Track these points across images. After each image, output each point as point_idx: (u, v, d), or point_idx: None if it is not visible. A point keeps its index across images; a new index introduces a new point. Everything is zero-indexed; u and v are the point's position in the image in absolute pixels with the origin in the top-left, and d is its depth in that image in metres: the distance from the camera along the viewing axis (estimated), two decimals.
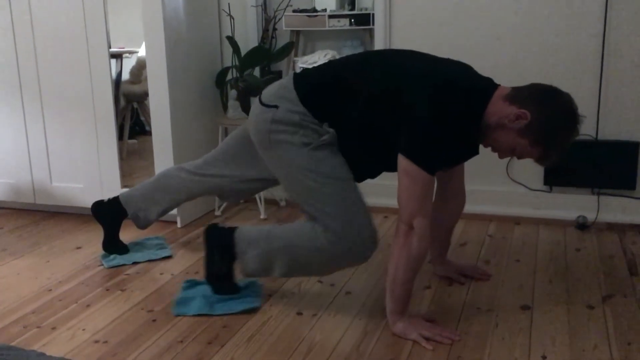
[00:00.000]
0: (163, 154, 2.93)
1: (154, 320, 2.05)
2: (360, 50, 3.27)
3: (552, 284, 2.27)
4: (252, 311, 2.09)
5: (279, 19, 3.32)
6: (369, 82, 1.91)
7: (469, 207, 2.34)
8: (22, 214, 3.25)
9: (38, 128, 3.12)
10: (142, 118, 4.34)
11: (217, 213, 3.20)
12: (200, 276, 2.40)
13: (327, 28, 3.20)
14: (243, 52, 3.17)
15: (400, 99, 1.84)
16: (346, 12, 3.23)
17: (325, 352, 1.83)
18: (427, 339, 1.86)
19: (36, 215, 3.24)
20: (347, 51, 3.26)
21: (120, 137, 3.27)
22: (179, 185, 2.47)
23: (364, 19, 3.16)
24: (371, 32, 3.18)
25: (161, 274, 2.44)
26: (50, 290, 2.31)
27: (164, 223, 3.02)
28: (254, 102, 2.08)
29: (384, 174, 2.11)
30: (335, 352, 1.83)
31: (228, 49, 3.26)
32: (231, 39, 3.13)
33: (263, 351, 1.84)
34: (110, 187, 3.06)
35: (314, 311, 2.10)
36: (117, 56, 3.72)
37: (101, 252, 2.64)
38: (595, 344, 1.84)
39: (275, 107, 1.97)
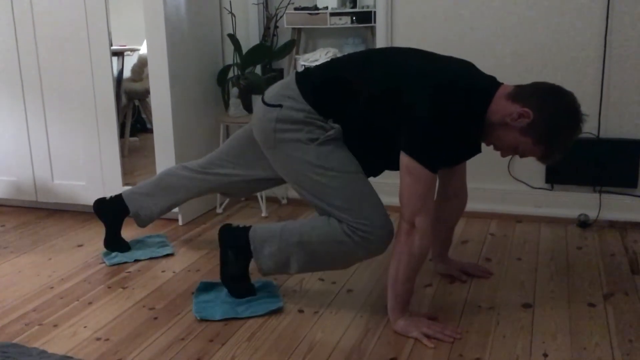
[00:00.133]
0: (164, 152, 2.93)
1: (155, 318, 2.05)
2: (361, 47, 3.26)
3: (554, 282, 2.27)
4: (276, 312, 2.07)
5: (280, 17, 3.32)
6: (370, 81, 1.91)
7: (470, 205, 2.34)
8: (24, 212, 3.26)
9: (39, 126, 3.13)
10: (144, 116, 4.34)
11: (219, 211, 3.20)
12: (202, 273, 2.41)
13: (328, 26, 3.20)
14: (244, 49, 3.17)
15: (402, 98, 1.84)
16: (348, 9, 3.22)
17: (327, 350, 1.83)
18: (429, 337, 1.86)
19: (38, 212, 3.24)
20: (349, 49, 3.25)
21: (121, 134, 3.27)
22: (181, 184, 2.47)
23: (366, 17, 3.15)
24: (373, 30, 3.17)
25: (163, 271, 2.44)
26: (52, 287, 2.31)
27: (166, 221, 3.03)
28: (257, 102, 2.08)
29: (385, 172, 2.11)
30: (337, 350, 1.83)
31: (229, 47, 3.26)
32: (232, 37, 3.13)
33: (264, 349, 1.84)
34: (111, 184, 3.06)
35: (315, 309, 2.10)
36: (119, 54, 3.72)
37: (103, 249, 2.64)
38: (597, 342, 1.84)
39: (279, 106, 1.97)
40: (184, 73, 2.98)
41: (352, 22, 3.18)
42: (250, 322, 2.01)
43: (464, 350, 1.81)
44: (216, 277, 2.33)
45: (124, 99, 3.96)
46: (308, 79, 1.99)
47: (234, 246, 2.09)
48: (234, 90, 3.11)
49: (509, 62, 2.91)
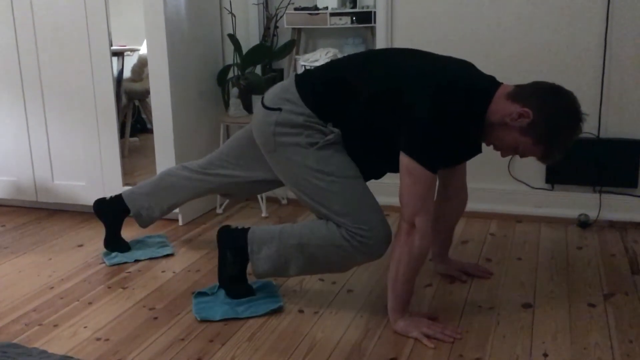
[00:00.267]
0: (164, 152, 2.93)
1: (155, 318, 2.05)
2: (362, 48, 3.26)
3: (554, 282, 2.27)
4: (276, 312, 2.07)
5: (281, 17, 3.32)
6: (370, 82, 1.91)
7: (470, 205, 2.34)
8: (24, 212, 3.26)
9: (40, 126, 3.13)
10: (144, 116, 4.34)
11: (219, 211, 3.20)
12: (202, 274, 2.41)
13: (328, 26, 3.20)
14: (244, 50, 3.17)
15: (401, 99, 1.84)
16: (348, 10, 3.22)
17: (327, 350, 1.83)
18: (429, 337, 1.86)
19: (38, 213, 3.24)
20: (349, 49, 3.25)
21: (121, 135, 3.27)
22: (182, 185, 2.47)
23: (366, 17, 3.15)
24: (373, 30, 3.17)
25: (163, 271, 2.44)
26: (52, 288, 2.31)
27: (166, 221, 3.03)
28: (257, 105, 2.08)
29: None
30: (337, 350, 1.83)
31: (229, 47, 3.26)
32: (233, 37, 3.13)
33: (264, 349, 1.84)
34: (111, 185, 3.07)
35: (315, 309, 2.10)
36: (119, 54, 3.72)
37: (103, 250, 2.64)
38: (597, 342, 1.84)
39: (279, 109, 1.97)
40: (184, 73, 2.98)
41: (352, 22, 3.18)
42: (251, 322, 2.01)
43: (464, 351, 1.81)
44: (215, 278, 2.34)
45: (124, 99, 3.96)
46: (308, 82, 1.99)
47: (232, 247, 2.09)
48: (234, 91, 3.11)
49: (509, 63, 2.91)
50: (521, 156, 1.91)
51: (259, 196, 3.17)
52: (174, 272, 2.43)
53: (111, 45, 2.95)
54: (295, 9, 3.28)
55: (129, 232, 2.82)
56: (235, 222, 3.03)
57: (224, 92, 3.27)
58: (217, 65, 3.28)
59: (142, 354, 1.83)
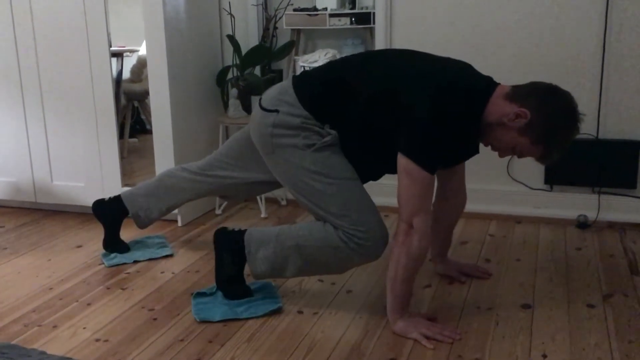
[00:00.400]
0: (164, 153, 2.93)
1: (154, 319, 2.05)
2: (361, 49, 3.26)
3: (553, 282, 2.27)
4: (275, 312, 2.07)
5: (280, 18, 3.32)
6: (369, 83, 1.91)
7: (469, 206, 2.34)
8: (23, 213, 3.25)
9: (39, 126, 3.13)
10: (143, 117, 4.34)
11: (218, 212, 3.20)
12: (201, 274, 2.41)
13: (327, 27, 3.20)
14: (244, 50, 3.17)
15: (400, 99, 1.84)
16: (347, 10, 3.22)
17: (326, 350, 1.83)
18: (428, 338, 1.86)
19: (37, 213, 3.24)
20: (348, 50, 3.25)
21: (120, 135, 3.27)
22: (181, 186, 2.47)
23: (365, 18, 3.15)
24: (372, 31, 3.17)
25: (162, 272, 2.44)
26: (51, 288, 2.31)
27: (165, 222, 3.03)
28: (255, 106, 2.08)
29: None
30: (336, 351, 1.83)
31: (229, 48, 3.26)
32: (232, 38, 3.13)
33: (263, 350, 1.84)
34: (111, 185, 3.06)
35: (314, 310, 2.10)
36: (118, 55, 3.72)
37: (102, 250, 2.64)
38: (596, 343, 1.84)
39: (276, 111, 1.97)
40: (183, 74, 2.98)
41: (351, 23, 3.19)
42: (250, 323, 2.01)
43: (463, 351, 1.81)
44: (213, 280, 2.34)
45: (123, 100, 3.96)
46: (306, 83, 1.99)
47: (229, 249, 2.09)
48: (233, 91, 3.11)
49: (507, 63, 2.91)
50: (519, 156, 1.91)
51: (258, 197, 3.17)
52: (173, 273, 2.43)
53: (110, 46, 2.96)
54: (295, 10, 3.28)
55: (127, 232, 2.82)
56: (235, 223, 3.03)
57: (223, 93, 3.27)
58: (216, 66, 3.28)
59: (141, 354, 1.83)
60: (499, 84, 1.91)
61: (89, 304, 2.17)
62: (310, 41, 3.44)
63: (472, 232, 2.84)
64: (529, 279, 2.31)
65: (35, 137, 3.14)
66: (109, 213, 2.61)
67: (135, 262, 2.54)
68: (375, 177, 2.09)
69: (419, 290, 2.23)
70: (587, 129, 2.84)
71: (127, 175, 3.22)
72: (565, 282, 2.28)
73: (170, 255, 2.61)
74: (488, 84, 1.89)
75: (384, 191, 3.06)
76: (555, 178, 2.93)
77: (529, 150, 1.86)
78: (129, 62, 4.05)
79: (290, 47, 3.26)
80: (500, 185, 3.03)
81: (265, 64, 3.32)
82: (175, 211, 2.93)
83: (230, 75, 3.24)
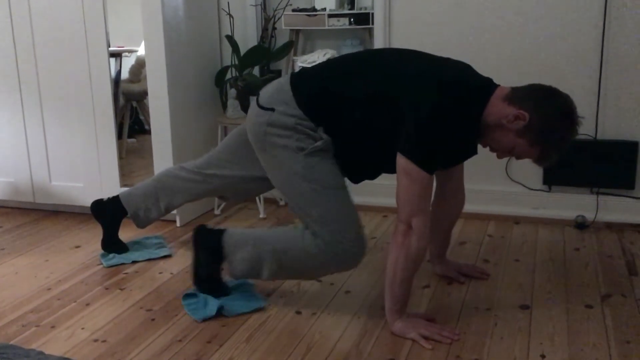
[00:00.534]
0: (162, 153, 2.93)
1: (153, 320, 2.05)
2: (359, 49, 3.27)
3: (551, 283, 2.27)
4: (258, 310, 2.09)
5: (279, 18, 3.32)
6: (368, 82, 1.91)
7: (468, 207, 2.34)
8: (21, 213, 3.25)
9: (37, 127, 3.12)
10: (142, 117, 4.34)
11: (217, 212, 3.20)
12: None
13: (326, 27, 3.20)
14: (242, 51, 3.17)
15: (399, 100, 1.84)
16: (346, 11, 3.22)
17: (324, 351, 1.83)
18: (426, 338, 1.86)
19: (35, 214, 3.23)
20: (347, 50, 3.25)
21: (119, 136, 3.27)
22: (179, 185, 2.47)
23: (364, 18, 3.16)
24: (371, 32, 3.18)
25: (160, 273, 2.44)
26: (50, 289, 2.31)
27: (163, 222, 3.02)
28: (252, 103, 2.08)
29: (383, 174, 2.11)
30: (335, 351, 1.83)
31: (227, 48, 3.26)
32: (230, 38, 3.13)
33: (262, 350, 1.84)
34: (109, 186, 3.06)
35: (313, 310, 2.10)
36: (117, 55, 3.72)
37: (100, 251, 2.64)
38: (594, 343, 1.84)
39: (272, 110, 1.98)
40: (182, 74, 2.98)
41: (350, 23, 3.19)
42: (248, 323, 2.01)
43: (462, 352, 1.81)
44: None
45: (121, 100, 3.96)
46: (303, 81, 1.99)
47: (208, 248, 2.11)
48: (232, 92, 3.11)
49: (506, 64, 2.91)
50: (517, 158, 1.92)
51: (257, 197, 3.17)
52: (171, 274, 2.43)
53: (109, 46, 2.95)
54: (293, 10, 3.28)
55: (126, 233, 2.81)
56: (233, 223, 3.03)
57: (222, 93, 3.27)
58: (215, 66, 3.28)
59: (139, 355, 1.83)
60: (499, 85, 1.91)
61: (87, 305, 2.17)
62: (309, 41, 3.44)
63: (471, 232, 2.84)
64: (528, 279, 2.31)
65: (34, 137, 3.14)
66: (108, 213, 2.60)
67: (134, 262, 2.54)
68: (372, 177, 2.09)
69: (418, 290, 2.23)
70: (585, 129, 2.84)
71: (125, 175, 3.22)
72: (563, 282, 2.28)
73: (169, 256, 2.61)
74: (488, 85, 1.90)
75: (384, 191, 3.07)
76: (553, 179, 2.93)
77: (527, 152, 1.87)
78: (128, 63, 4.05)
79: (289, 48, 3.26)
80: (498, 185, 3.03)
81: (264, 65, 3.32)
82: (174, 211, 2.93)
83: (229, 76, 3.24)
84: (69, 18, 2.94)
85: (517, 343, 1.85)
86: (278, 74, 3.38)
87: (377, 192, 3.11)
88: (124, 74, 4.00)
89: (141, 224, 2.59)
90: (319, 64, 2.08)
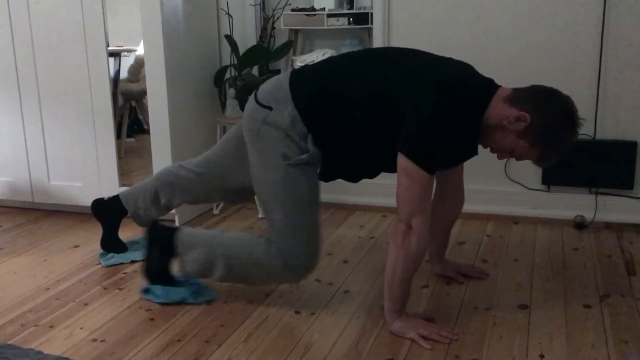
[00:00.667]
0: (161, 153, 2.93)
1: (151, 319, 2.05)
2: (358, 49, 3.27)
3: (550, 283, 2.28)
4: (209, 303, 2.16)
5: (278, 18, 3.32)
6: (368, 82, 1.91)
7: (467, 207, 2.34)
8: (20, 213, 3.25)
9: (36, 126, 3.12)
10: (141, 116, 4.34)
11: (216, 212, 3.20)
12: None
13: (325, 27, 3.20)
14: (241, 50, 3.17)
15: (399, 99, 1.84)
16: (345, 11, 3.23)
17: (323, 351, 1.83)
18: (425, 338, 1.86)
19: (34, 213, 3.23)
20: (346, 50, 3.25)
21: (118, 135, 3.27)
22: (179, 183, 2.47)
23: (363, 18, 3.16)
24: (370, 31, 3.18)
25: None
26: (48, 288, 2.31)
27: (162, 222, 3.01)
28: (250, 97, 2.09)
29: (382, 173, 2.11)
30: (333, 351, 1.83)
31: (226, 48, 3.26)
32: (230, 38, 3.13)
33: (261, 350, 1.84)
34: (108, 185, 3.06)
35: (311, 310, 2.10)
36: (116, 55, 3.72)
37: (99, 250, 2.64)
38: (593, 343, 1.84)
39: (269, 108, 1.98)
40: (181, 74, 2.97)
41: (349, 23, 3.19)
42: (247, 323, 2.01)
43: (461, 352, 1.81)
44: (210, 280, 2.34)
45: (120, 100, 3.96)
46: (303, 80, 1.99)
47: (160, 246, 2.16)
48: (231, 91, 3.11)
49: (505, 65, 2.91)
50: (517, 159, 1.92)
51: (255, 197, 3.17)
52: None
53: (108, 45, 2.95)
54: (292, 10, 3.28)
55: (125, 232, 2.81)
56: (232, 223, 3.03)
57: (221, 93, 3.27)
58: (214, 66, 3.28)
59: (138, 354, 1.83)
60: (500, 86, 1.91)
61: (86, 304, 2.17)
62: (308, 41, 3.44)
63: (470, 232, 2.84)
64: (526, 279, 2.31)
65: (33, 137, 3.14)
66: (108, 213, 2.60)
67: (133, 262, 2.54)
68: (372, 176, 2.09)
69: (417, 290, 2.23)
70: (584, 129, 2.83)
71: (124, 175, 3.22)
72: (562, 282, 2.28)
73: None
74: (489, 86, 1.90)
75: (383, 191, 3.07)
76: (552, 178, 2.93)
77: (527, 153, 1.87)
78: (127, 62, 4.05)
79: (288, 47, 3.26)
80: (497, 185, 3.03)
81: (263, 64, 3.32)
82: (173, 211, 2.92)
83: (228, 75, 3.24)
84: (68, 17, 2.94)
85: (515, 343, 1.86)
86: (277, 73, 3.37)
87: (377, 192, 3.11)
88: (123, 74, 4.00)
89: (142, 223, 2.58)
90: (319, 62, 2.08)
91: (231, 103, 3.10)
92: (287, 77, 2.01)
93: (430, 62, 1.94)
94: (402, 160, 1.82)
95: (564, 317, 2.01)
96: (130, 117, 4.20)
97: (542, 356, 1.78)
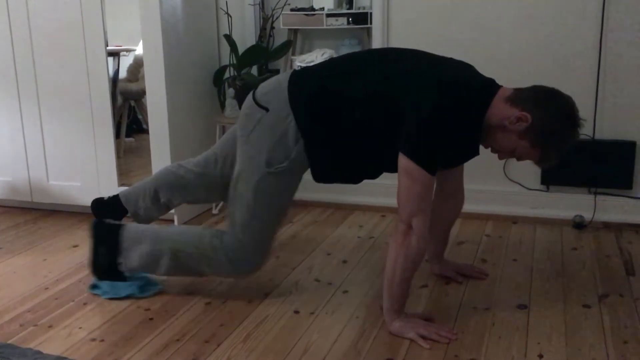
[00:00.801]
0: (160, 152, 2.93)
1: (150, 319, 2.05)
2: (358, 49, 3.27)
3: (549, 283, 2.28)
4: (157, 294, 2.22)
5: (277, 18, 3.32)
6: (368, 82, 1.91)
7: (466, 206, 2.34)
8: (19, 212, 3.25)
9: (35, 126, 3.12)
10: (140, 116, 4.34)
11: (215, 212, 3.20)
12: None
13: (324, 27, 3.20)
14: (241, 50, 3.17)
15: (400, 99, 1.84)
16: (344, 10, 3.22)
17: (322, 350, 1.83)
18: (424, 338, 1.86)
19: (33, 213, 3.23)
20: (345, 50, 3.25)
21: (117, 135, 3.26)
22: (178, 183, 2.46)
23: (362, 18, 3.16)
24: (369, 31, 3.17)
25: None
26: (47, 288, 2.31)
27: (162, 222, 3.01)
28: (249, 94, 2.10)
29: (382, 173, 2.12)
30: (332, 351, 1.83)
31: (226, 48, 3.26)
32: (229, 38, 3.13)
33: (260, 350, 1.84)
34: (107, 185, 3.06)
35: (311, 310, 2.10)
36: (115, 54, 3.72)
37: None
38: (592, 343, 1.84)
39: (266, 109, 1.99)
40: (180, 73, 2.97)
41: (348, 23, 3.19)
42: (246, 323, 2.01)
43: (460, 351, 1.81)
44: (209, 279, 2.34)
45: (119, 100, 3.96)
46: (302, 81, 2.00)
47: (105, 242, 2.19)
48: (230, 91, 3.11)
49: (504, 65, 2.91)
50: (518, 159, 1.92)
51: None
52: None
53: (107, 45, 2.95)
54: (292, 10, 3.28)
55: None
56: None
57: (220, 92, 3.27)
58: (213, 65, 3.28)
59: (137, 354, 1.83)
60: (501, 86, 1.91)
61: (84, 304, 2.17)
62: (308, 41, 3.44)
63: (469, 232, 2.84)
64: (525, 279, 2.31)
65: (32, 136, 3.14)
66: (108, 212, 2.59)
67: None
68: (373, 176, 2.09)
69: (416, 290, 2.23)
70: (583, 129, 2.84)
71: (123, 174, 3.22)
72: (561, 282, 2.28)
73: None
74: (490, 86, 1.90)
75: (382, 191, 3.07)
76: (551, 178, 2.93)
77: (528, 154, 1.87)
78: (126, 62, 4.04)
79: (287, 47, 3.26)
80: (496, 185, 3.03)
81: (262, 64, 3.32)
82: (172, 211, 2.92)
83: (227, 75, 3.24)
84: (67, 17, 2.94)
85: (514, 343, 1.86)
86: (276, 73, 3.38)
87: (376, 192, 3.11)
88: (122, 73, 4.00)
89: (142, 222, 2.58)
90: (319, 63, 2.09)
91: (230, 103, 3.10)
92: (286, 78, 2.02)
93: (430, 62, 1.94)
94: (403, 160, 1.82)
95: (563, 317, 2.01)
96: (129, 117, 4.19)
97: (541, 356, 1.78)
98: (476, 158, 2.10)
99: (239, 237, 2.05)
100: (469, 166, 2.27)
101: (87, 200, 2.98)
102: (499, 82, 1.96)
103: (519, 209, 3.00)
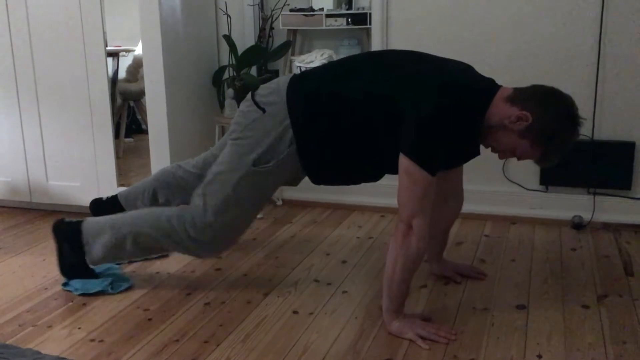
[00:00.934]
0: (159, 153, 2.93)
1: (149, 319, 2.05)
2: (357, 49, 3.27)
3: (548, 283, 2.28)
4: (128, 290, 2.26)
5: (276, 18, 3.32)
6: (367, 83, 1.91)
7: (465, 207, 2.34)
8: (18, 213, 3.25)
9: (34, 126, 3.12)
10: (139, 116, 4.34)
11: None
12: (197, 275, 2.40)
13: (324, 27, 3.20)
14: (240, 51, 3.17)
15: (400, 100, 1.84)
16: (343, 11, 3.23)
17: (322, 351, 1.83)
18: (423, 338, 1.86)
19: (32, 213, 3.23)
20: (344, 50, 3.26)
21: (116, 135, 3.27)
22: (177, 184, 2.47)
23: (361, 18, 3.16)
24: (368, 32, 3.18)
25: (157, 272, 2.44)
26: (46, 288, 2.30)
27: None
28: (249, 94, 2.10)
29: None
30: (332, 351, 1.83)
31: (225, 48, 3.26)
32: (228, 38, 3.13)
33: (259, 350, 1.84)
34: (106, 185, 3.06)
35: (310, 310, 2.10)
36: (114, 55, 3.72)
37: None
38: (591, 343, 1.85)
39: (263, 110, 2.00)
40: (179, 74, 2.97)
41: (347, 23, 3.19)
42: (245, 323, 2.01)
43: (459, 352, 1.81)
44: (210, 279, 2.34)
45: (119, 100, 3.96)
46: (302, 83, 2.00)
47: (68, 239, 2.21)
48: (229, 91, 3.11)
49: (503, 65, 2.91)
50: (518, 159, 1.92)
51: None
52: (168, 273, 2.43)
53: (106, 45, 2.95)
54: (291, 10, 3.28)
55: None
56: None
57: (219, 92, 3.27)
58: (212, 66, 3.28)
59: (136, 354, 1.83)
60: (501, 86, 1.91)
61: (84, 304, 2.17)
62: (307, 41, 3.44)
63: (468, 232, 2.84)
64: (524, 279, 2.31)
65: (31, 136, 3.14)
66: (107, 213, 2.59)
67: (130, 262, 2.54)
68: (375, 178, 2.09)
69: (415, 290, 2.23)
70: (582, 130, 2.84)
71: (122, 175, 3.22)
72: (560, 282, 2.28)
73: (166, 256, 2.60)
74: (490, 86, 1.90)
75: (382, 191, 3.07)
76: (550, 179, 2.93)
77: (528, 153, 1.87)
78: (125, 62, 4.05)
79: (286, 48, 3.26)
80: (495, 185, 3.03)
81: (262, 64, 3.32)
82: None
83: (226, 75, 3.24)
84: (66, 17, 2.94)
85: (513, 343, 1.86)
86: (275, 73, 3.38)
87: (375, 192, 3.11)
88: (122, 74, 4.00)
89: None
90: (319, 66, 2.10)
91: (229, 103, 3.10)
92: (286, 81, 2.03)
93: (430, 63, 1.95)
94: (403, 160, 1.82)
95: (561, 317, 2.01)
96: (128, 117, 4.20)
97: (539, 356, 1.78)
98: (476, 158, 2.10)
99: (210, 220, 2.07)
100: (468, 166, 2.27)
101: (87, 201, 2.98)
102: (499, 82, 1.96)
103: (518, 210, 3.00)
